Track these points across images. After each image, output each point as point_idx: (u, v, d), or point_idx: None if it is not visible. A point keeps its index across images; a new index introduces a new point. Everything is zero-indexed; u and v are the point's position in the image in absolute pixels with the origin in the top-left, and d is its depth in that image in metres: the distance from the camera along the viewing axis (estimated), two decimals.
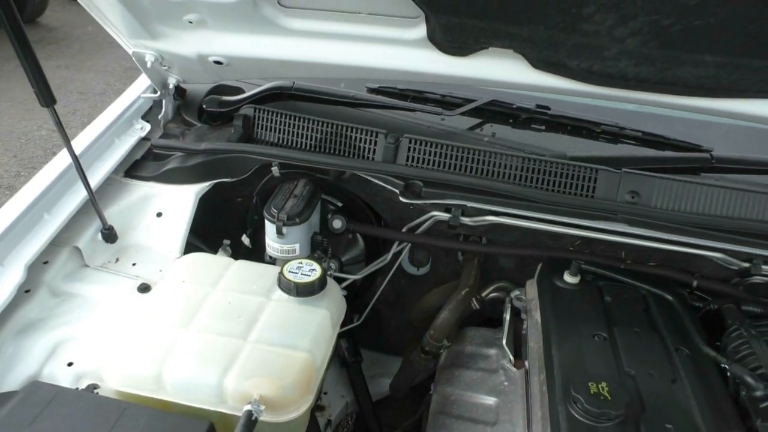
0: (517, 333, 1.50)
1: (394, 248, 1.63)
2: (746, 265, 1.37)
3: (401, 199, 1.42)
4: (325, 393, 1.86)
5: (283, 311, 1.19)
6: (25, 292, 1.26)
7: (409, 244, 1.69)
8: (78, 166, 1.28)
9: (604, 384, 1.06)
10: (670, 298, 1.36)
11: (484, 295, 1.64)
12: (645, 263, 1.48)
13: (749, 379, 1.09)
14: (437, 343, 1.53)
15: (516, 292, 1.56)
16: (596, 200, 1.38)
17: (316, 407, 1.81)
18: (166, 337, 1.11)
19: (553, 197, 1.38)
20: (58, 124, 1.22)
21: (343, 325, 1.59)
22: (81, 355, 1.20)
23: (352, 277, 1.59)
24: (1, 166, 4.29)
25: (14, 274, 1.21)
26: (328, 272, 1.51)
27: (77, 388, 1.14)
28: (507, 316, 1.48)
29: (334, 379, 1.89)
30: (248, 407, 1.00)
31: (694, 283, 1.45)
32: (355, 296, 1.73)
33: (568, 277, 1.41)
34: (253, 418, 0.99)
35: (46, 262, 1.33)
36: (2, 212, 1.31)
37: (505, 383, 1.42)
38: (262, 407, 1.00)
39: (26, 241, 1.29)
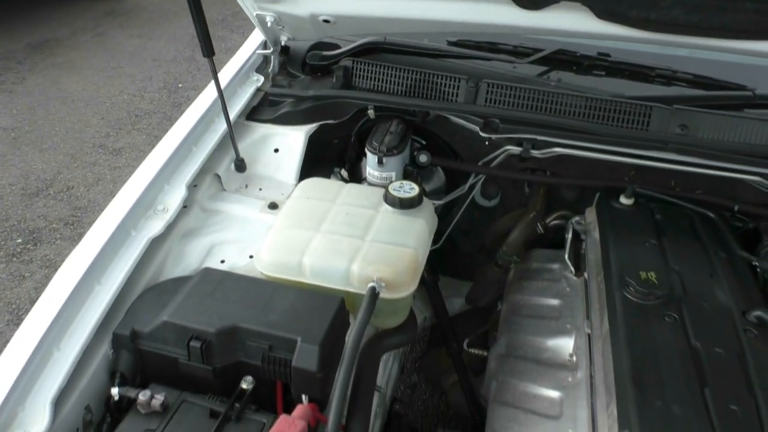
0: (577, 252, 1.76)
1: (471, 180, 1.90)
2: None
3: (481, 134, 1.69)
4: None
5: (390, 220, 1.48)
6: (183, 207, 1.59)
7: (482, 179, 1.96)
8: (224, 106, 1.59)
9: (652, 273, 1.32)
10: (712, 215, 1.59)
11: (548, 221, 1.90)
12: (692, 191, 1.72)
13: None
14: (509, 258, 1.81)
15: (576, 218, 1.81)
16: (650, 132, 1.61)
17: None
18: (303, 236, 1.42)
19: (612, 130, 1.62)
20: (214, 72, 1.52)
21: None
22: (229, 254, 1.53)
23: (436, 203, 1.86)
24: (92, 127, 4.72)
25: (179, 192, 1.54)
26: None
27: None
28: (568, 236, 1.73)
29: (416, 297, 2.20)
30: (372, 284, 1.30)
31: (736, 207, 1.68)
32: None
33: (623, 199, 1.66)
34: (376, 292, 1.30)
35: (195, 185, 1.66)
36: (160, 146, 1.63)
37: (567, 289, 1.68)
38: (383, 284, 1.31)
39: (182, 168, 1.61)
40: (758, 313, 1.24)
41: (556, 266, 1.78)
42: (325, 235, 1.43)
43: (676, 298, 1.30)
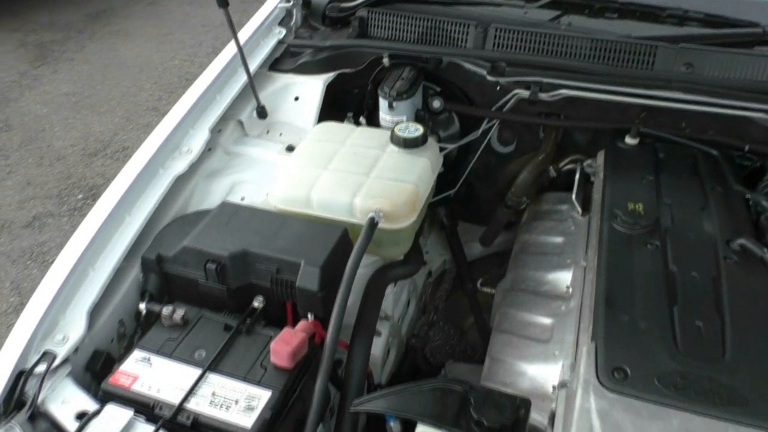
0: (586, 193, 1.80)
1: (484, 125, 1.96)
2: None
3: (488, 77, 1.74)
4: (427, 252, 2.26)
5: (394, 158, 1.58)
6: (207, 150, 1.73)
7: (498, 125, 2.02)
8: (242, 56, 1.71)
9: (640, 204, 1.37)
10: (715, 153, 1.61)
11: (561, 165, 1.94)
12: (704, 132, 1.72)
13: (765, 203, 1.35)
14: (518, 199, 1.87)
15: (588, 161, 1.85)
16: (655, 71, 1.63)
17: None
18: (312, 173, 1.53)
19: (616, 70, 1.64)
20: (230, 22, 1.63)
21: (441, 193, 1.99)
22: (248, 192, 1.66)
23: (450, 147, 1.94)
24: (146, 91, 4.96)
25: (202, 135, 1.68)
26: None
27: None
28: (577, 176, 1.78)
29: (435, 241, 2.29)
30: (371, 215, 1.40)
31: (747, 147, 1.68)
32: (450, 168, 2.09)
33: (628, 139, 1.69)
34: (375, 222, 1.40)
35: (219, 130, 1.79)
36: (186, 95, 1.77)
37: (572, 227, 1.74)
38: (381, 214, 1.41)
39: (206, 114, 1.75)
40: (742, 241, 1.27)
41: (564, 207, 1.84)
42: (332, 172, 1.54)
43: (662, 228, 1.35)
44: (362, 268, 1.58)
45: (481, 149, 2.04)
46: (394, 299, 1.78)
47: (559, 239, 1.72)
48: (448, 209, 2.20)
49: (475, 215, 2.31)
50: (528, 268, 1.70)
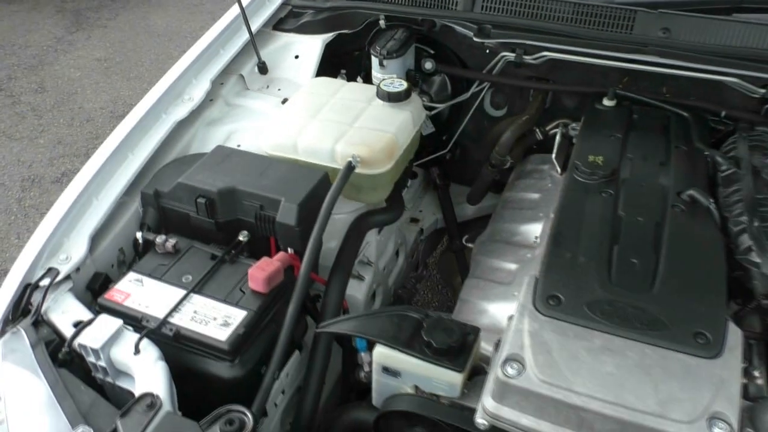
0: (568, 154, 1.88)
1: (474, 88, 2.05)
2: (762, 91, 1.63)
3: (475, 39, 1.83)
4: (420, 211, 2.37)
5: (378, 111, 1.68)
6: (209, 100, 1.86)
7: (490, 89, 2.10)
8: (243, 15, 1.82)
9: (600, 156, 1.45)
10: (687, 116, 1.67)
11: (547, 128, 2.02)
12: (684, 98, 1.78)
13: (719, 159, 1.42)
14: (501, 158, 1.96)
15: (573, 125, 1.92)
16: (633, 35, 1.69)
17: (412, 219, 2.33)
18: (300, 121, 1.65)
19: (596, 34, 1.71)
20: None
21: (435, 151, 2.08)
22: (245, 140, 1.78)
23: (440, 107, 2.03)
24: (174, 59, 5.06)
25: (203, 85, 1.81)
26: (423, 100, 1.96)
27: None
28: (558, 137, 1.86)
29: (429, 201, 2.40)
30: (349, 159, 1.52)
31: (723, 113, 1.74)
32: (443, 129, 2.18)
33: (606, 101, 1.76)
34: (352, 166, 1.51)
35: (222, 83, 1.92)
36: (191, 49, 1.90)
37: (549, 185, 1.83)
38: (359, 160, 1.52)
39: (209, 67, 1.87)
40: (691, 192, 1.35)
41: (546, 167, 1.92)
42: (319, 121, 1.65)
43: (620, 179, 1.43)
44: (345, 214, 1.71)
45: (472, 111, 2.12)
46: (378, 248, 1.89)
47: (536, 195, 1.81)
48: (442, 170, 2.30)
49: (469, 178, 2.39)
50: (504, 222, 1.79)
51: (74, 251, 1.44)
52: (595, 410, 1.01)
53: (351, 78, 2.03)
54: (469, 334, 1.25)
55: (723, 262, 1.21)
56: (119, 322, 1.30)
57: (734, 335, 1.07)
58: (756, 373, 1.18)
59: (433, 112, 2.02)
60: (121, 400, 1.28)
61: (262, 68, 1.96)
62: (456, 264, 2.36)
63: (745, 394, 1.16)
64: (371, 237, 1.83)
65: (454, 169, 2.34)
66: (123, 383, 1.31)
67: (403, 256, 2.18)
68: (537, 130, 2.00)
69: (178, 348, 1.32)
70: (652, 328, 1.08)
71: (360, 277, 1.83)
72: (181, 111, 1.73)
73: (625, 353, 1.06)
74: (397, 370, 1.26)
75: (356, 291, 1.83)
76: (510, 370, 1.07)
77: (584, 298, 1.14)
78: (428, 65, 2.00)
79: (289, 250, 1.51)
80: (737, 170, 1.37)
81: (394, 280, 2.13)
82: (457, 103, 2.13)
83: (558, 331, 1.10)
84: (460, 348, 1.21)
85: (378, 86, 1.70)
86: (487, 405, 1.11)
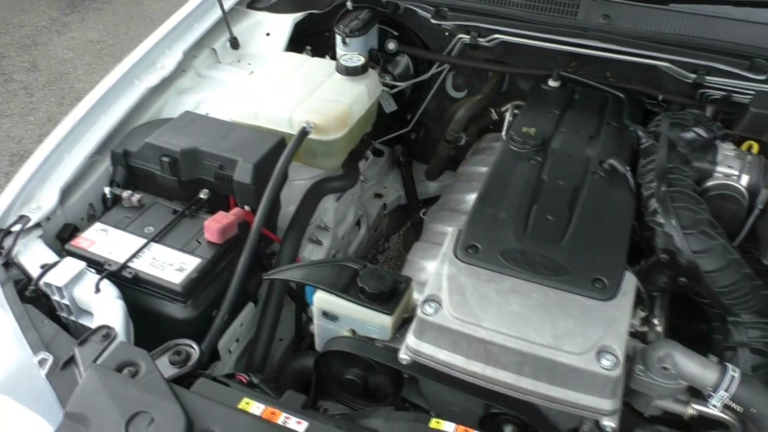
0: None
1: (434, 69, 2.17)
2: (693, 76, 1.75)
3: (432, 20, 1.95)
4: (385, 187, 2.49)
5: (336, 84, 1.80)
6: (182, 71, 1.97)
7: (451, 71, 2.22)
8: None
9: (533, 129, 1.58)
10: (622, 96, 1.79)
11: (503, 109, 2.14)
12: (627, 82, 1.91)
13: (641, 133, 1.54)
14: (455, 135, 2.08)
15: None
16: (577, 21, 1.81)
17: (376, 194, 2.46)
18: (264, 91, 1.77)
19: (543, 18, 1.82)
20: None
21: (398, 130, 2.20)
22: (213, 108, 1.89)
23: (401, 85, 2.15)
24: None
25: (176, 55, 1.92)
26: (384, 79, 2.08)
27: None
28: (508, 116, 1.97)
29: (393, 179, 2.52)
30: (303, 125, 1.63)
31: (660, 96, 1.86)
32: (406, 109, 2.30)
33: (550, 82, 1.88)
34: (306, 131, 1.63)
35: (195, 56, 2.03)
36: (167, 23, 2.01)
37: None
38: (312, 126, 1.64)
39: (183, 38, 1.99)
40: (611, 161, 1.47)
41: (498, 144, 2.04)
42: (281, 91, 1.77)
43: (549, 149, 1.55)
44: (304, 180, 1.83)
45: (433, 92, 2.24)
46: (337, 215, 2.01)
47: (484, 168, 1.92)
48: (406, 148, 2.43)
49: (429, 157, 2.51)
50: (454, 193, 1.91)
51: (45, 201, 1.56)
52: (499, 343, 1.13)
53: (319, 56, 2.15)
54: (401, 282, 1.37)
55: (629, 222, 1.34)
56: (83, 264, 1.42)
57: (629, 282, 1.20)
58: (655, 321, 1.31)
59: (394, 90, 2.13)
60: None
61: (234, 43, 2.08)
62: (415, 237, 2.48)
63: (644, 339, 1.29)
64: (329, 204, 1.95)
65: (418, 149, 2.46)
66: (85, 321, 1.43)
67: (365, 228, 2.30)
68: (492, 110, 2.11)
69: (136, 290, 1.44)
70: (556, 273, 1.21)
71: (318, 242, 1.95)
72: (153, 78, 1.84)
73: (530, 294, 1.18)
74: (335, 314, 1.38)
75: (314, 255, 1.95)
76: (428, 309, 1.19)
77: (499, 248, 1.26)
78: (391, 46, 2.12)
79: (246, 208, 1.62)
80: (654, 143, 1.49)
81: (355, 250, 2.25)
82: (420, 84, 2.25)
83: (473, 275, 1.22)
84: (391, 294, 1.33)
85: (337, 61, 1.82)
86: (409, 342, 1.23)
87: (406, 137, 2.40)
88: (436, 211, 1.90)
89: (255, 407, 1.15)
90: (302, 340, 1.74)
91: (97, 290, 1.38)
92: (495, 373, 1.16)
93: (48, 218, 1.56)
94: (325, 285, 1.37)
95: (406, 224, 2.77)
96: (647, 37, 1.74)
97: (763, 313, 1.33)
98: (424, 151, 2.47)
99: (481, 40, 1.95)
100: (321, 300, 1.38)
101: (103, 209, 1.70)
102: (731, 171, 1.43)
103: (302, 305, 1.73)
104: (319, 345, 1.46)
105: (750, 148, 1.53)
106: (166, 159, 1.61)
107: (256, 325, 1.65)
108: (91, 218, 1.70)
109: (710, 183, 1.44)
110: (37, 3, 5.64)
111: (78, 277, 1.40)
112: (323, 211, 1.94)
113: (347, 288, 1.36)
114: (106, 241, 1.51)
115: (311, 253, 1.93)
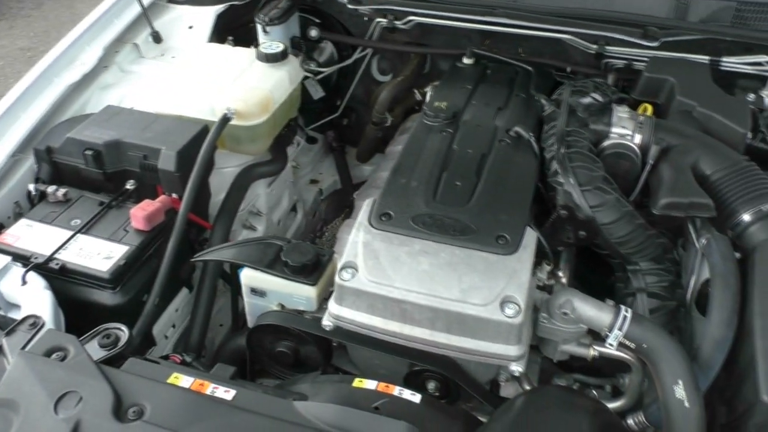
0: None
1: (357, 54, 2.23)
2: (595, 47, 1.86)
3: (348, 5, 2.01)
4: (321, 173, 2.55)
5: (257, 71, 1.85)
6: (104, 67, 1.98)
7: (375, 55, 2.29)
8: None
9: (444, 103, 1.66)
10: (530, 70, 1.89)
11: (424, 90, 2.22)
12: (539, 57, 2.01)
13: (544, 101, 1.64)
14: (380, 116, 2.15)
15: None
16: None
17: (312, 181, 2.51)
18: (185, 80, 1.80)
19: None
20: None
21: (328, 116, 2.25)
22: (136, 102, 1.91)
23: (325, 71, 2.20)
24: None
25: (95, 51, 1.94)
26: (308, 65, 2.13)
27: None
28: (429, 93, 2.04)
29: (329, 164, 2.58)
30: (225, 112, 1.68)
31: (569, 69, 1.97)
32: (333, 94, 2.36)
33: (465, 59, 1.97)
34: (227, 117, 1.68)
35: (117, 51, 2.04)
36: (85, 20, 2.02)
37: None
38: (234, 112, 1.68)
39: (102, 35, 2.00)
40: (516, 128, 1.56)
41: None
42: (203, 81, 1.81)
43: (460, 121, 1.63)
44: (233, 168, 1.87)
45: (358, 77, 2.31)
46: (269, 200, 2.06)
47: None
48: (337, 134, 2.49)
49: (361, 140, 2.58)
50: (380, 171, 1.98)
51: None
52: (412, 301, 1.21)
53: (244, 47, 2.19)
54: (324, 255, 1.43)
55: (532, 183, 1.43)
56: (8, 258, 1.44)
57: (530, 237, 1.29)
58: (560, 274, 1.40)
59: (319, 77, 2.19)
60: None
61: (156, 37, 2.10)
62: None
63: (551, 292, 1.38)
64: (261, 189, 2.00)
65: (350, 134, 2.52)
66: (14, 315, 1.44)
67: (302, 213, 2.36)
68: (416, 91, 2.19)
69: (65, 281, 1.46)
70: (463, 233, 1.29)
71: (252, 227, 2.00)
72: (73, 75, 1.85)
73: (438, 254, 1.26)
74: (262, 290, 1.43)
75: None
76: (345, 275, 1.26)
77: (410, 214, 1.33)
78: (313, 33, 2.17)
79: (174, 195, 1.66)
80: (556, 110, 1.59)
81: (292, 235, 2.30)
82: (346, 70, 2.31)
83: (386, 240, 1.29)
84: (314, 266, 1.39)
85: (257, 49, 1.87)
86: (331, 308, 1.29)
87: (337, 123, 2.46)
88: (364, 190, 1.97)
89: (184, 381, 1.19)
90: (241, 323, 1.79)
91: (24, 282, 1.40)
92: (411, 330, 1.24)
93: None
94: (250, 262, 1.42)
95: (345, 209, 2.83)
96: (551, 12, 1.84)
97: (659, 260, 1.44)
98: (356, 136, 2.53)
99: (398, 23, 2.02)
100: (248, 277, 1.43)
101: (30, 207, 1.71)
102: (625, 131, 1.54)
103: (237, 289, 1.78)
104: (250, 322, 1.51)
105: (645, 110, 1.64)
106: (89, 152, 1.63)
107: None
108: (18, 216, 1.70)
109: (606, 143, 1.54)
110: None
111: (3, 271, 1.41)
112: (255, 197, 1.99)
113: (272, 263, 1.41)
114: (32, 235, 1.52)
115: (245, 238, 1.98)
